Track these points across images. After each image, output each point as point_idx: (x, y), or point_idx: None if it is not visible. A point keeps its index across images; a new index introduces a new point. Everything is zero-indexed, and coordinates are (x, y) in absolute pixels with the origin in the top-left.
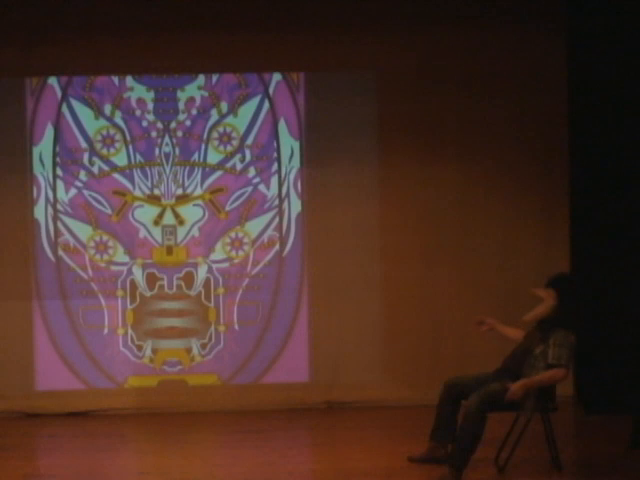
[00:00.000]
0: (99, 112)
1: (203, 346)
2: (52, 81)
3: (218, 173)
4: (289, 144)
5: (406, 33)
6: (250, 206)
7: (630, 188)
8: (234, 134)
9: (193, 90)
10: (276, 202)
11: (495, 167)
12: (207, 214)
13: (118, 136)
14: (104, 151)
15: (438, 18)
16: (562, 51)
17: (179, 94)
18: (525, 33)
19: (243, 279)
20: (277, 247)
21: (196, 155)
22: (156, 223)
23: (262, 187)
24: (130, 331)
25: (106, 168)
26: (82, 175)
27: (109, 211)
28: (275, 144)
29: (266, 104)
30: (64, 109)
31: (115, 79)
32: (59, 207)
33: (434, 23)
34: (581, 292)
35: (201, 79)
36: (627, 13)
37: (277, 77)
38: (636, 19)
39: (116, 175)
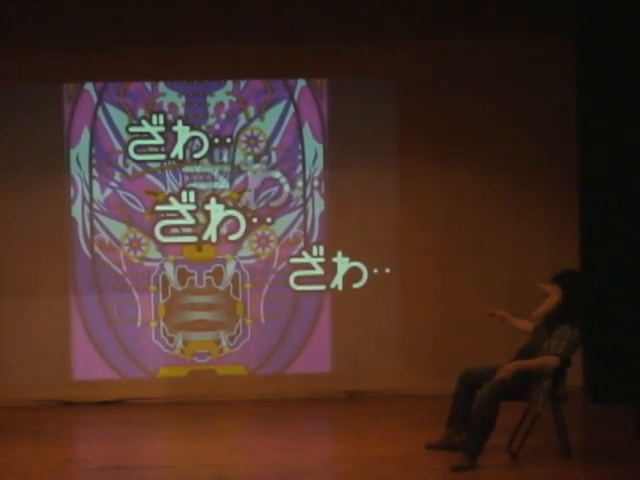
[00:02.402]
0: (133, 116)
1: (231, 338)
2: (88, 87)
3: (246, 174)
4: (313, 147)
5: (423, 42)
6: (276, 205)
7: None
8: (261, 137)
9: (222, 95)
10: (300, 202)
11: (507, 168)
12: (235, 213)
13: None
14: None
15: (453, 28)
16: (572, 54)
17: (209, 99)
18: (536, 39)
19: (269, 275)
20: (301, 244)
21: (225, 157)
22: None
23: (287, 187)
24: (162, 324)
25: (139, 169)
26: (117, 176)
27: (142, 210)
28: (300, 147)
29: (291, 109)
30: (100, 113)
31: (148, 85)
32: (95, 206)
33: (450, 32)
34: (586, 288)
35: (229, 85)
36: (635, 14)
37: (302, 83)
38: None
39: (149, 176)
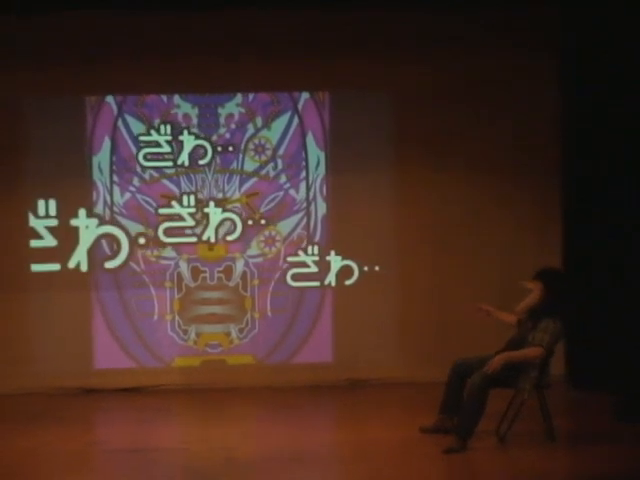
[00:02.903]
0: (150, 126)
1: (240, 330)
2: (109, 99)
3: (253, 179)
4: (316, 154)
5: (420, 57)
6: (281, 208)
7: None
8: (268, 145)
9: (232, 107)
10: (304, 205)
11: (496, 175)
12: (244, 215)
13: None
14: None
15: (448, 44)
16: (557, 72)
17: (220, 110)
18: (524, 56)
19: (275, 272)
20: (305, 244)
21: (234, 164)
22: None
23: (292, 191)
24: (177, 317)
25: (156, 175)
26: (135, 181)
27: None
28: (303, 154)
29: (296, 119)
30: (119, 123)
31: (164, 97)
32: (115, 209)
33: (445, 48)
34: (566, 284)
35: (239, 97)
36: (616, 33)
37: (305, 95)
38: (625, 37)
39: (165, 181)
